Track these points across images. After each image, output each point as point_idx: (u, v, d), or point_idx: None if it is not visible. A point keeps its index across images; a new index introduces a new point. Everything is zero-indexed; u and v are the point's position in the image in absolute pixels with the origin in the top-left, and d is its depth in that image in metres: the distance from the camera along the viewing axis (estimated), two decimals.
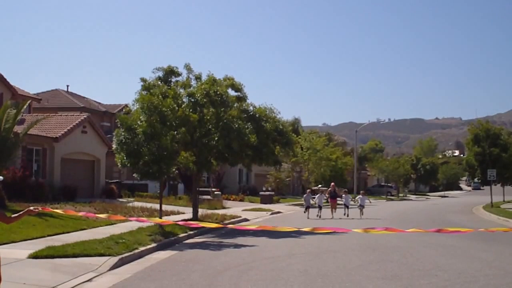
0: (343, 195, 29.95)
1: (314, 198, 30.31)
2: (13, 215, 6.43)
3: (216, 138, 20.72)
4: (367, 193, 74.12)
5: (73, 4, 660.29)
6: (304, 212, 27.68)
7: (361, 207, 28.44)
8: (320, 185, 48.47)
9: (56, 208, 19.06)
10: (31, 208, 6.53)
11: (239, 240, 16.33)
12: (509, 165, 41.48)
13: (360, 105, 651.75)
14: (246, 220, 25.02)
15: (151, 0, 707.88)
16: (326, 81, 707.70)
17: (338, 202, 30.47)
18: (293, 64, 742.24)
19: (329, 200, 29.83)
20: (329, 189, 31.30)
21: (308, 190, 30.61)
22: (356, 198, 30.61)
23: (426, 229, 9.51)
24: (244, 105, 22.65)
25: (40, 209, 6.79)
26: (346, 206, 28.76)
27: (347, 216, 27.90)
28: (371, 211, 26.38)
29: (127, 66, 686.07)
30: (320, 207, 28.17)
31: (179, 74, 22.26)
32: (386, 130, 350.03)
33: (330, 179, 50.53)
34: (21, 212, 6.40)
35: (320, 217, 27.01)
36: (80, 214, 9.36)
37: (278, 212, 31.71)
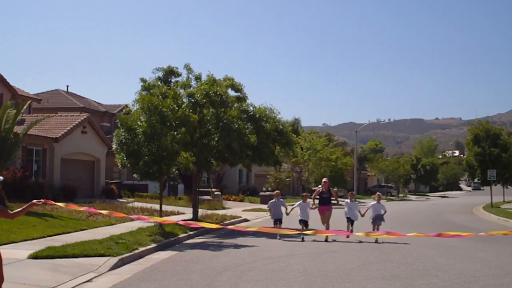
0: (347, 201, 17.41)
1: (290, 206, 18.29)
2: (15, 210, 6.42)
3: (216, 139, 20.73)
4: (364, 193, 73.78)
5: (73, 4, 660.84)
6: (274, 226, 17.56)
7: (377, 220, 16.80)
8: (320, 186, 48.29)
9: (56, 209, 19.12)
10: (35, 201, 6.53)
11: (239, 240, 16.33)
12: (509, 165, 41.51)
13: (360, 105, 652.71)
14: (246, 220, 25.02)
15: (151, 0, 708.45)
16: (326, 81, 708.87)
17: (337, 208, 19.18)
18: (293, 64, 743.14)
19: (318, 207, 17.87)
20: (319, 188, 18.59)
21: (276, 192, 19.15)
22: (368, 206, 17.31)
23: (426, 230, 9.56)
24: (244, 105, 22.65)
25: (43, 201, 6.79)
26: (351, 221, 16.98)
27: (351, 232, 15.51)
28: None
29: (127, 66, 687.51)
30: (305, 223, 16.82)
31: (179, 75, 22.28)
32: (386, 130, 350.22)
33: (330, 179, 50.52)
34: (24, 206, 6.41)
35: (303, 239, 16.03)
36: (82, 208, 9.57)
37: None
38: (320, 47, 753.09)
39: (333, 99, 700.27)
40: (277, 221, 17.73)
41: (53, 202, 8.61)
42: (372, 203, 17.22)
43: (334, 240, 15.92)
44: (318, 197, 18.14)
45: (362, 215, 16.83)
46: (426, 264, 11.83)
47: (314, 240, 15.91)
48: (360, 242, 15.35)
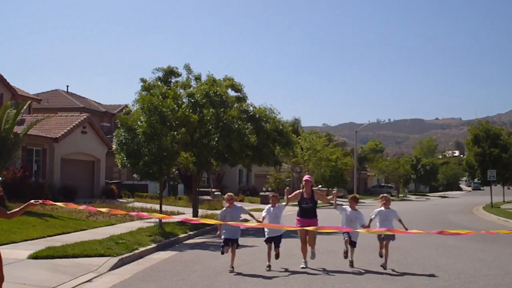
0: (347, 207, 11.40)
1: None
2: (13, 210, 6.44)
3: (216, 139, 20.73)
4: (364, 194, 73.60)
5: (73, 4, 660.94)
6: (222, 252, 11.17)
7: (386, 236, 11.17)
8: (320, 186, 48.29)
9: (56, 209, 19.11)
10: (32, 201, 6.55)
11: (239, 240, 16.29)
12: (509, 165, 41.52)
13: (360, 105, 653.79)
14: (246, 220, 24.96)
15: (151, 0, 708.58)
16: (326, 81, 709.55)
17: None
18: (293, 64, 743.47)
19: (296, 219, 11.40)
20: (300, 190, 11.48)
21: (227, 195, 11.52)
22: (373, 213, 11.53)
23: (427, 230, 9.52)
24: (244, 105, 22.65)
25: (40, 201, 6.81)
26: (352, 241, 11.19)
27: (351, 263, 11.07)
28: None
29: (127, 66, 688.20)
30: (275, 241, 11.16)
31: (179, 75, 22.29)
32: (386, 130, 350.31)
33: (330, 179, 50.37)
34: (22, 206, 6.43)
35: (270, 267, 10.75)
36: (81, 207, 9.58)
37: None
38: (320, 47, 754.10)
39: (333, 99, 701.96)
40: (229, 241, 10.98)
41: (51, 202, 8.62)
42: (378, 209, 11.51)
43: (328, 273, 10.55)
44: (293, 202, 11.54)
45: (367, 227, 11.18)
46: (426, 264, 11.83)
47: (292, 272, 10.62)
48: (361, 273, 10.60)
